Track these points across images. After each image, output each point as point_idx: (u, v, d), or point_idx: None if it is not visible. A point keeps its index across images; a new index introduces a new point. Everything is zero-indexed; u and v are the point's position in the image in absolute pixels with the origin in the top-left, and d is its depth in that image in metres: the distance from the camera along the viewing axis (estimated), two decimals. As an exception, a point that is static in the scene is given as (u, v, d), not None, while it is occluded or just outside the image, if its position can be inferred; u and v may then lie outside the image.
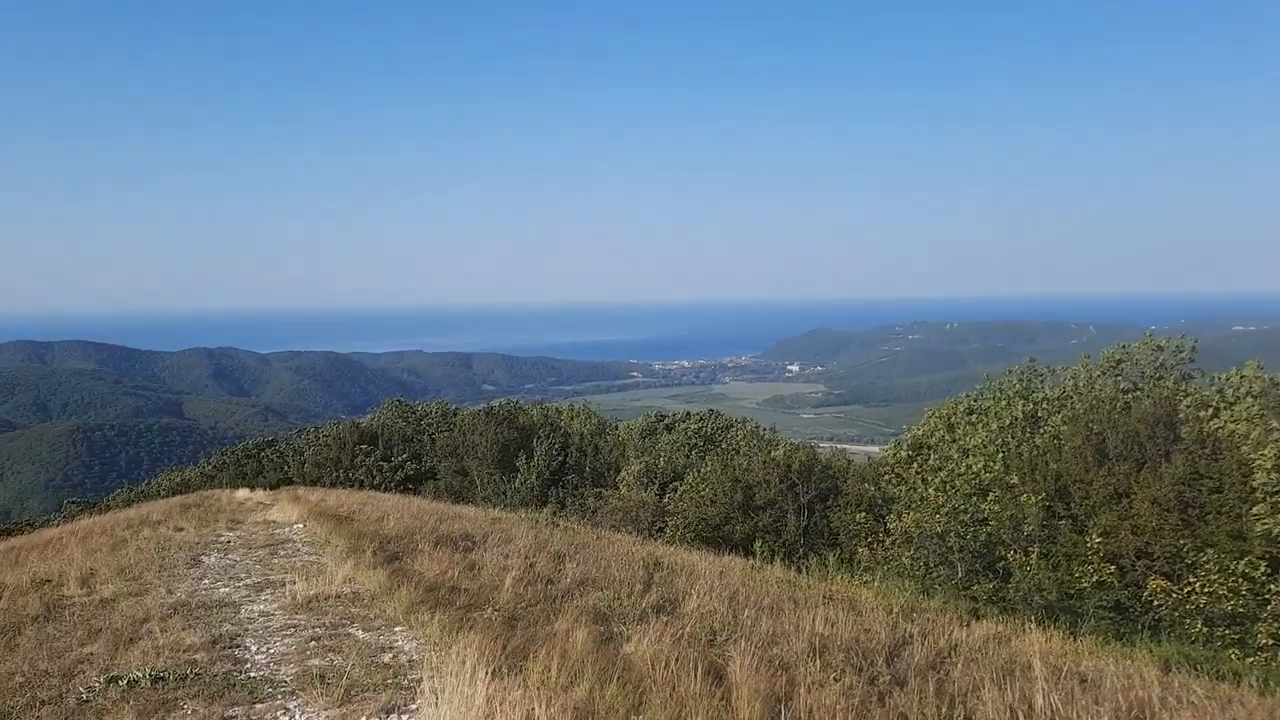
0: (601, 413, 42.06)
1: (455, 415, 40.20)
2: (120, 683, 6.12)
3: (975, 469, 17.69)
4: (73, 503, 49.59)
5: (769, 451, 23.43)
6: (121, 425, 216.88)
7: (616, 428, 38.49)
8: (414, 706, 5.56)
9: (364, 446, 35.07)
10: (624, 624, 7.79)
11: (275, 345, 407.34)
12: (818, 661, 6.81)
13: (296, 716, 5.59)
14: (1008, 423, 20.53)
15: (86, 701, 5.89)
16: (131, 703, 5.76)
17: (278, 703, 5.85)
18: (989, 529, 14.98)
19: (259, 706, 5.79)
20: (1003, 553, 14.54)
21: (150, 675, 6.24)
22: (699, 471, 24.93)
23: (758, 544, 18.67)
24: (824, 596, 10.09)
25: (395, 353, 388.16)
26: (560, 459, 30.27)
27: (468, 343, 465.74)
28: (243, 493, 24.91)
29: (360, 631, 7.62)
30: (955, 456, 20.07)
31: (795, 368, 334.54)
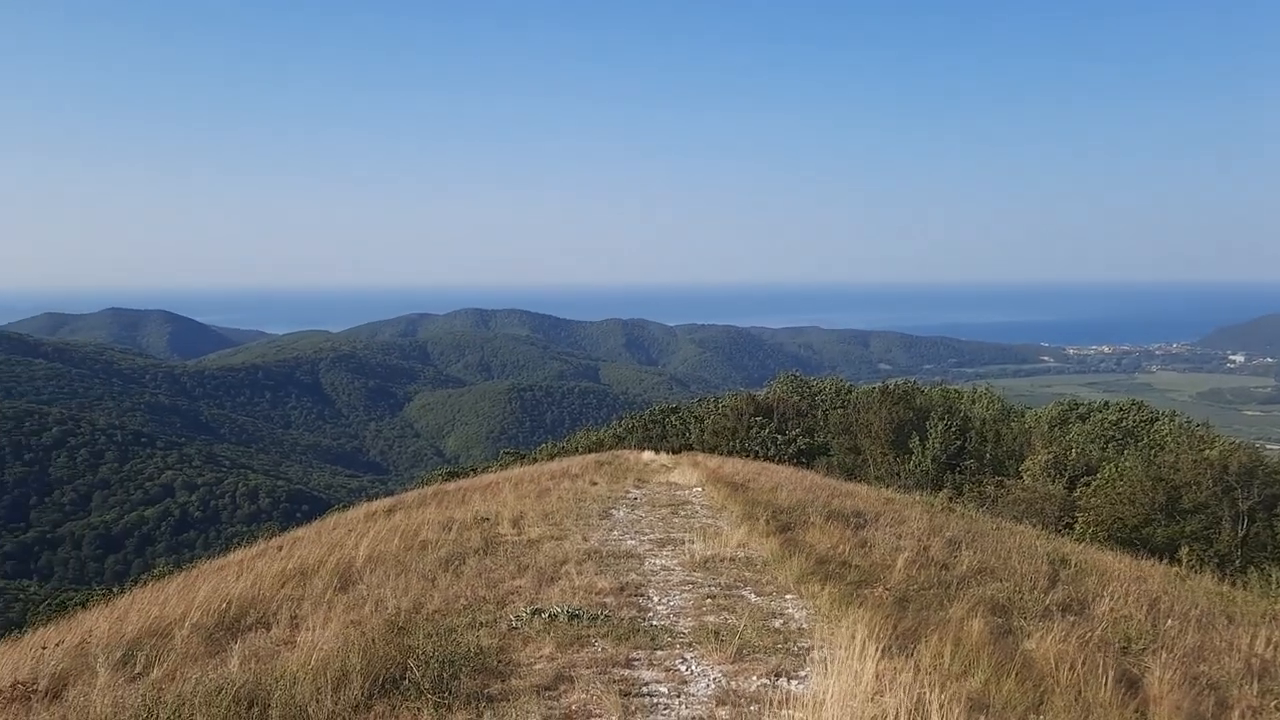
0: (1006, 397, 39.85)
1: (849, 392, 40.03)
2: (543, 615, 6.83)
3: None
4: (507, 453, 55.71)
5: (1201, 450, 20.92)
6: (548, 386, 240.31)
7: (1022, 414, 36.27)
8: (803, 673, 5.66)
9: (759, 418, 35.99)
10: (1024, 619, 7.37)
11: (682, 318, 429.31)
12: (1255, 685, 6.01)
13: (693, 667, 5.91)
14: None
15: (515, 629, 6.65)
16: (552, 634, 6.41)
17: (675, 652, 6.22)
18: None
19: (659, 653, 6.19)
20: None
21: (567, 612, 6.90)
22: (1115, 467, 22.84)
23: (1183, 551, 16.78)
24: (1267, 615, 8.87)
25: (793, 328, 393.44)
26: (958, 443, 29.11)
27: (865, 320, 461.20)
28: (648, 454, 26.53)
29: (752, 595, 7.87)
30: None
31: (1239, 358, 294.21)
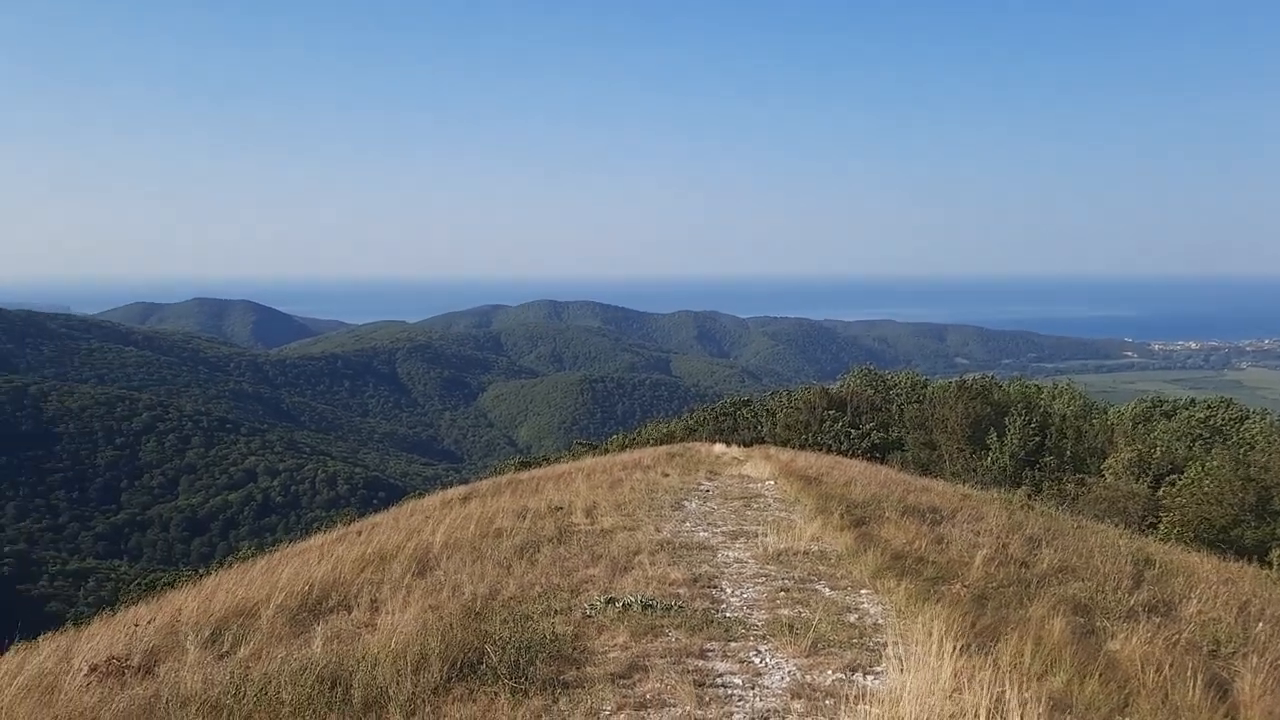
0: (1087, 393, 38.85)
1: (925, 387, 39.41)
2: (616, 604, 6.88)
3: None
4: (579, 443, 56.12)
5: (1295, 450, 20.16)
6: (619, 378, 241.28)
7: (1104, 411, 35.34)
8: (878, 669, 5.61)
9: (832, 412, 35.65)
10: (1107, 619, 7.20)
11: (754, 310, 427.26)
12: (1353, 696, 5.78)
13: (766, 659, 5.90)
14: None
15: (589, 617, 6.70)
16: (625, 623, 6.45)
17: (749, 644, 6.22)
18: None
19: (733, 645, 6.19)
20: None
21: (641, 602, 6.93)
22: (1202, 466, 22.13)
23: (1275, 553, 16.21)
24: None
25: (867, 321, 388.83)
26: (1037, 440, 28.49)
27: (941, 314, 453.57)
28: (719, 447, 26.47)
29: (826, 589, 7.82)
30: None
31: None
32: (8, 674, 6.76)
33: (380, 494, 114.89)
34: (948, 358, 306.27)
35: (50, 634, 11.43)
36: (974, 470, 27.74)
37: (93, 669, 6.27)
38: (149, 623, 7.43)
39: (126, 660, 6.45)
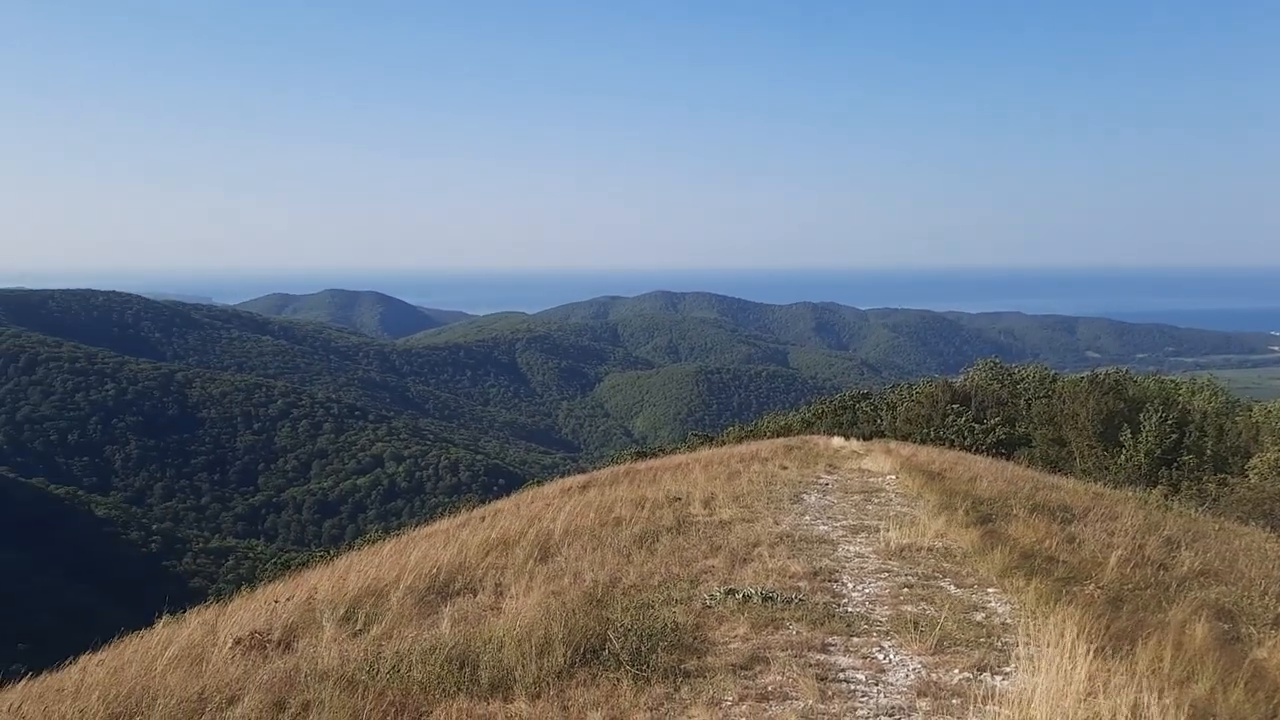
0: (1230, 389, 36.90)
1: (1054, 381, 38.05)
2: (736, 596, 6.87)
3: None
4: (694, 434, 56.19)
5: None
6: (735, 369, 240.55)
7: (1249, 408, 33.50)
8: (1007, 669, 5.47)
9: (955, 406, 34.77)
10: (1253, 626, 6.84)
11: (873, 302, 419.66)
12: None
13: (891, 656, 5.81)
14: None
15: (709, 607, 6.72)
16: (745, 615, 6.44)
17: (872, 640, 6.13)
18: None
19: (855, 640, 6.11)
20: None
21: (761, 594, 6.91)
22: (1360, 467, 20.77)
23: None
24: None
25: (992, 313, 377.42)
26: (1175, 437, 27.20)
27: (1071, 305, 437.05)
28: (838, 440, 26.14)
29: (952, 586, 7.65)
30: None
31: None
32: (160, 645, 7.19)
33: (500, 481, 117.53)
34: (1078, 351, 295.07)
35: (195, 608, 12.10)
36: (1106, 468, 26.67)
37: (237, 642, 6.61)
38: (287, 600, 7.78)
39: (267, 635, 6.78)
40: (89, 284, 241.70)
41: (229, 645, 6.54)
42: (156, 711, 4.89)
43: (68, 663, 8.35)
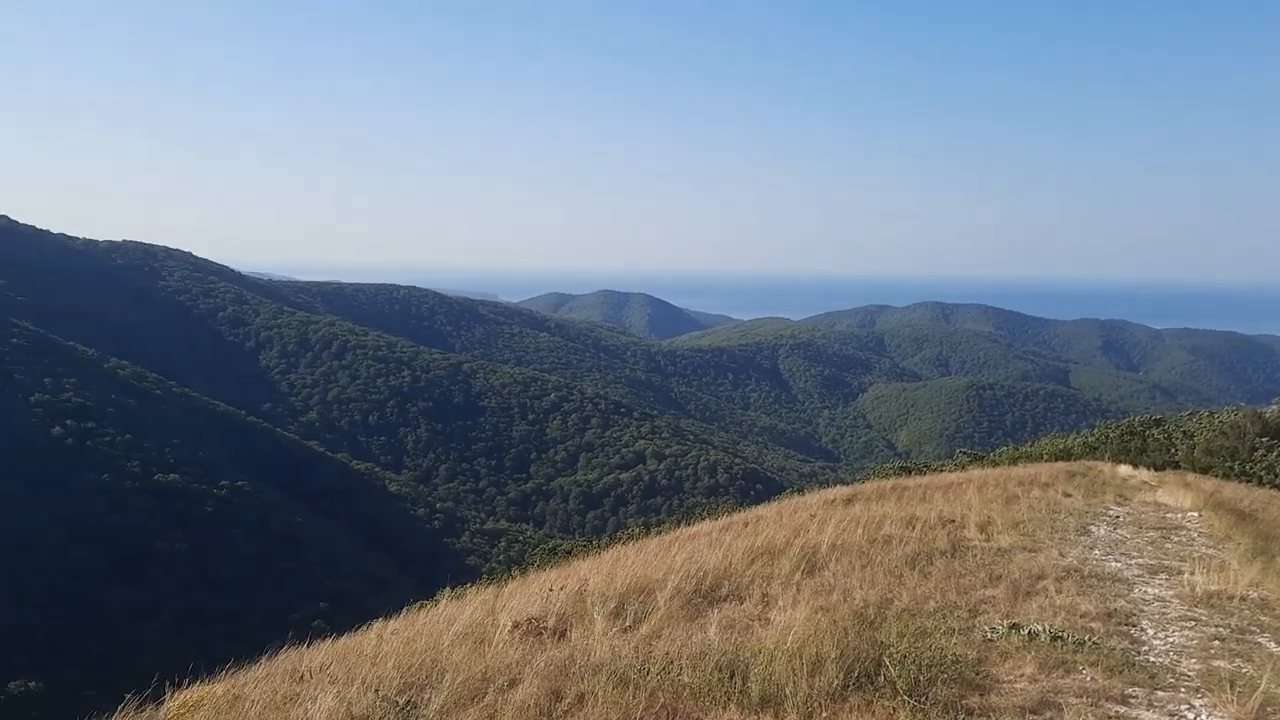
0: None
1: (1395, 418, 33.26)
2: (1021, 632, 6.41)
3: None
4: (963, 452, 53.69)
5: None
6: (1010, 386, 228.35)
7: None
8: (1351, 751, 4.76)
9: (1265, 439, 31.17)
10: None
11: (1169, 320, 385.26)
12: None
13: (1202, 715, 5.21)
14: None
15: (990, 641, 6.31)
16: (1032, 653, 5.98)
17: (1180, 695, 5.53)
18: None
19: (1159, 694, 5.53)
20: None
21: (1049, 632, 6.41)
22: None
23: None
24: None
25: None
26: None
27: None
28: (1125, 469, 24.15)
29: (1273, 644, 6.79)
30: None
31: None
32: (445, 621, 7.65)
33: (757, 486, 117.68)
34: None
35: (473, 586, 12.85)
36: None
37: (515, 625, 6.92)
38: (560, 589, 8.07)
39: (543, 622, 7.05)
40: (391, 279, 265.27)
41: (508, 628, 6.85)
42: (445, 685, 5.17)
43: (362, 628, 9.09)
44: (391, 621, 8.96)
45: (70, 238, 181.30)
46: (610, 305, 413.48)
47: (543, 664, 5.50)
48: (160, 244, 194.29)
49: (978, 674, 5.57)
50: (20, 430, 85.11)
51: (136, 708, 5.47)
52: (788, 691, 4.93)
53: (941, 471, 28.12)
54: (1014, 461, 34.47)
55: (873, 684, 5.08)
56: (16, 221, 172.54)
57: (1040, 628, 6.49)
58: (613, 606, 7.27)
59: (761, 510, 16.90)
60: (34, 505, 74.87)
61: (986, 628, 6.58)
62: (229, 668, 6.59)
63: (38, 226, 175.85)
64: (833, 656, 5.24)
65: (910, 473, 30.99)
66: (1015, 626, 6.50)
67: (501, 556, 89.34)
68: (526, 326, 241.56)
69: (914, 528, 10.98)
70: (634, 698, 4.92)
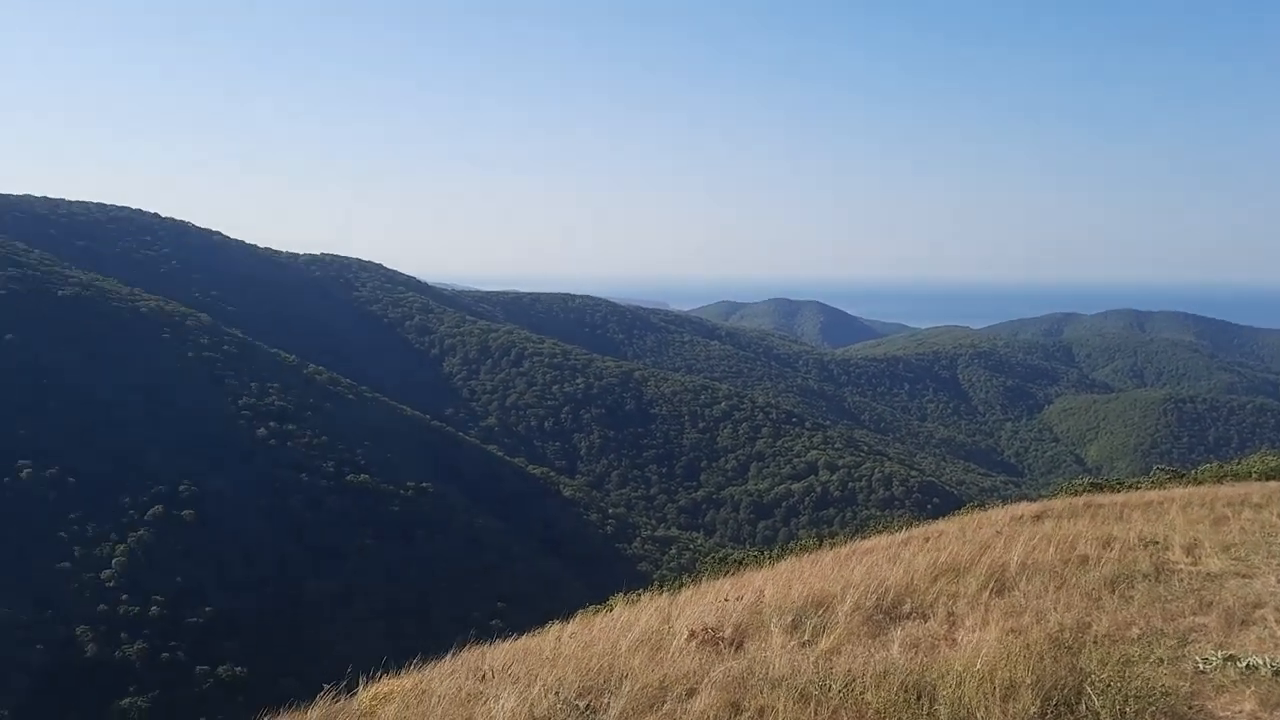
0: None
1: None
2: (1238, 664, 5.90)
3: None
4: (1161, 469, 50.32)
5: None
6: (1213, 399, 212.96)
7: None
8: None
9: None
10: None
11: None
12: None
13: None
14: None
15: (1203, 672, 5.83)
16: (1251, 688, 5.50)
17: None
18: None
19: None
20: None
21: (1270, 665, 5.87)
22: None
23: None
24: None
25: None
26: None
27: None
28: (1356, 491, 21.99)
29: None
30: None
31: None
32: (622, 628, 7.71)
33: (934, 500, 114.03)
34: None
35: (647, 592, 12.93)
36: None
37: (692, 635, 6.90)
38: (737, 599, 8.00)
39: (719, 632, 7.00)
40: (567, 288, 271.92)
41: (684, 637, 6.85)
42: (624, 691, 5.19)
43: (539, 629, 9.27)
44: (568, 625, 9.10)
45: (275, 251, 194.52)
46: (781, 313, 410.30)
47: (720, 675, 5.45)
48: (354, 256, 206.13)
49: (1190, 708, 5.16)
50: (231, 434, 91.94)
51: (333, 699, 5.76)
52: (979, 717, 4.69)
53: (1138, 489, 26.39)
54: (1219, 480, 31.95)
55: (1073, 713, 4.78)
56: (229, 237, 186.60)
57: (1260, 660, 5.95)
58: (790, 619, 7.15)
59: (942, 525, 16.33)
60: (243, 501, 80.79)
61: (1198, 658, 6.10)
62: (415, 661, 6.85)
63: (246, 241, 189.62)
64: (1028, 682, 4.96)
65: (1103, 489, 29.25)
66: (1231, 658, 5.99)
67: (672, 564, 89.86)
68: (697, 335, 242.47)
69: (1111, 548, 10.33)
70: (815, 715, 4.80)
